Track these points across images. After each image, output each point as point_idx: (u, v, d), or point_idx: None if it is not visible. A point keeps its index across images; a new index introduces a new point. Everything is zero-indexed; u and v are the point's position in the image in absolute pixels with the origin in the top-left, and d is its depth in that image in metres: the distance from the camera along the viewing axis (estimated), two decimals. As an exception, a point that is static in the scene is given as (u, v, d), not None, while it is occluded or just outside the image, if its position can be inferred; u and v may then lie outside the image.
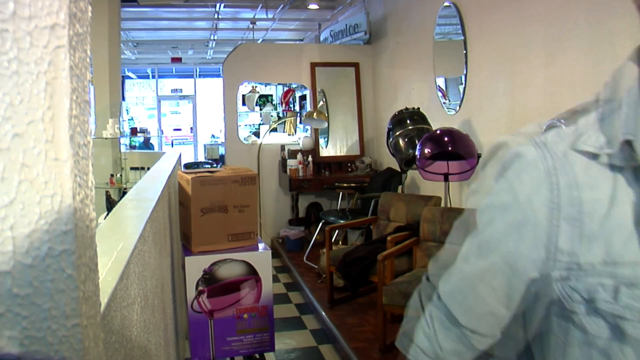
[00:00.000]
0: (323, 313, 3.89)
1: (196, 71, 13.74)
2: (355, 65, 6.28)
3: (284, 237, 5.81)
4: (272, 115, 8.87)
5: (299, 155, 5.98)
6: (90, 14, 0.59)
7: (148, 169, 4.28)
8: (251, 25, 8.31)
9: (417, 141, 4.04)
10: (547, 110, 3.15)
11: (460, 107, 4.31)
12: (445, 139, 3.69)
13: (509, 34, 3.63)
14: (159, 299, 1.75)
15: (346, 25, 6.46)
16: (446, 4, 4.39)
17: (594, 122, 0.70)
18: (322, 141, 6.32)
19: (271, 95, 9.51)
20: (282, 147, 6.35)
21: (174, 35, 9.78)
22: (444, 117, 4.50)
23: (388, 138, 4.47)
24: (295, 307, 4.37)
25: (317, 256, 4.94)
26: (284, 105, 8.22)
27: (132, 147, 9.93)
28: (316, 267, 4.86)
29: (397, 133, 4.34)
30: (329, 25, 7.32)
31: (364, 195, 5.10)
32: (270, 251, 2.62)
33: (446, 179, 3.80)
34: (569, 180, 0.66)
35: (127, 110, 12.23)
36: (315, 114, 5.81)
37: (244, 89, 8.12)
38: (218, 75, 12.28)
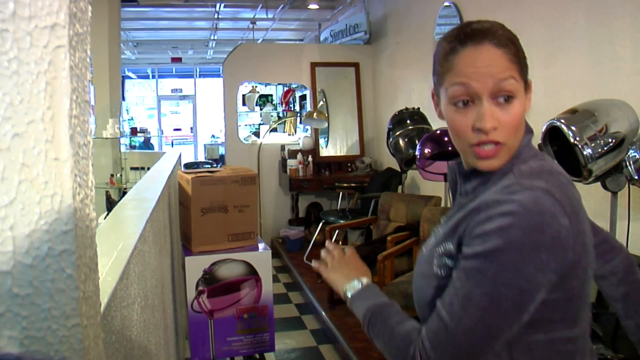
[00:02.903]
0: (323, 313, 3.89)
1: (196, 71, 13.74)
2: (355, 65, 6.28)
3: (284, 237, 5.81)
4: (272, 115, 8.87)
5: (299, 155, 5.97)
6: (90, 14, 0.59)
7: (148, 169, 4.28)
8: (251, 25, 8.30)
9: (417, 141, 4.04)
10: (547, 110, 3.15)
11: (460, 107, 4.31)
12: (445, 139, 3.68)
13: (509, 34, 3.63)
14: (159, 299, 1.75)
15: (346, 25, 6.46)
16: (446, 4, 4.39)
17: None
18: (322, 141, 6.32)
19: (271, 95, 9.51)
20: (282, 147, 6.35)
21: (174, 35, 9.78)
22: (444, 117, 4.50)
23: (388, 138, 4.47)
24: (295, 307, 4.37)
25: (317, 256, 4.90)
26: (284, 105, 8.22)
27: (132, 147, 9.93)
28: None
29: (397, 133, 4.34)
30: (329, 25, 7.32)
31: (364, 195, 5.11)
32: (270, 251, 2.62)
33: (446, 179, 3.80)
34: None
35: (127, 110, 12.23)
36: (315, 114, 5.81)
37: (244, 89, 8.12)
38: (218, 75, 12.28)
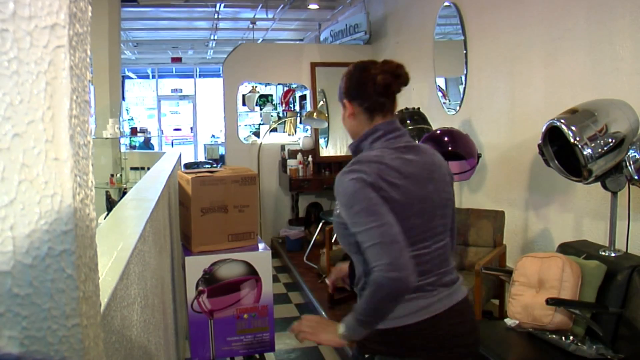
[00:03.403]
0: (323, 313, 3.89)
1: (196, 71, 13.73)
2: (355, 65, 6.27)
3: (284, 237, 5.81)
4: (272, 115, 8.86)
5: (299, 155, 5.98)
6: (90, 14, 0.59)
7: (148, 169, 4.28)
8: (251, 25, 8.30)
9: (417, 141, 4.04)
10: (547, 110, 3.16)
11: (460, 107, 4.31)
12: (445, 139, 3.69)
13: (509, 34, 3.63)
14: (159, 299, 1.75)
15: (346, 25, 6.46)
16: (446, 4, 4.39)
17: None
18: (322, 141, 6.32)
19: (271, 95, 9.51)
20: (282, 147, 6.35)
21: (174, 35, 9.78)
22: (444, 117, 4.50)
23: (388, 138, 4.46)
24: (295, 307, 4.37)
25: (317, 256, 4.94)
26: (284, 105, 8.22)
27: (132, 147, 9.92)
28: (316, 267, 4.86)
29: (397, 133, 4.33)
30: (329, 25, 7.32)
31: (364, 195, 5.09)
32: (270, 251, 2.62)
33: (446, 179, 3.80)
34: None
35: (127, 110, 12.23)
36: (315, 114, 5.81)
37: (244, 89, 8.12)
38: (218, 75, 12.28)
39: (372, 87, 1.51)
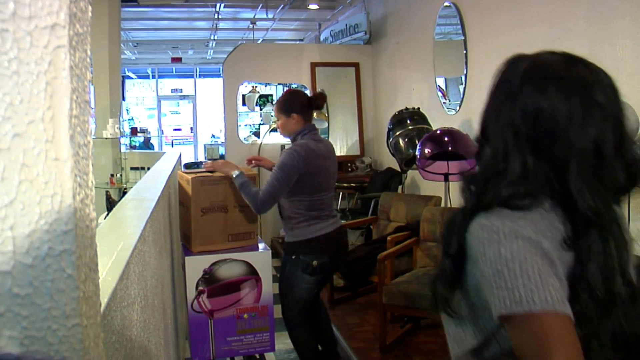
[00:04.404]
0: (323, 313, 3.89)
1: (196, 71, 13.73)
2: (355, 65, 6.28)
3: (284, 237, 5.80)
4: (272, 115, 8.85)
5: (299, 155, 5.97)
6: (90, 14, 0.59)
7: (148, 169, 4.28)
8: (251, 25, 8.30)
9: (417, 141, 4.04)
10: (547, 110, 3.15)
11: (460, 107, 4.31)
12: (445, 139, 3.69)
13: (509, 34, 3.62)
14: (159, 299, 1.75)
15: (346, 25, 6.46)
16: (446, 4, 4.39)
17: None
18: (322, 141, 6.32)
19: (271, 95, 9.51)
20: (282, 147, 6.34)
21: (174, 35, 9.78)
22: (444, 117, 4.50)
23: (388, 138, 4.47)
24: (295, 307, 4.36)
25: (317, 256, 4.93)
26: (284, 105, 8.21)
27: (132, 147, 9.91)
28: (316, 267, 4.85)
29: (397, 133, 4.34)
30: (329, 25, 7.32)
31: (364, 195, 5.10)
32: (270, 251, 2.62)
33: (446, 179, 3.80)
34: None
35: (127, 110, 12.23)
36: (315, 114, 5.80)
37: (244, 89, 8.12)
38: (218, 75, 12.28)
39: (310, 107, 2.71)
